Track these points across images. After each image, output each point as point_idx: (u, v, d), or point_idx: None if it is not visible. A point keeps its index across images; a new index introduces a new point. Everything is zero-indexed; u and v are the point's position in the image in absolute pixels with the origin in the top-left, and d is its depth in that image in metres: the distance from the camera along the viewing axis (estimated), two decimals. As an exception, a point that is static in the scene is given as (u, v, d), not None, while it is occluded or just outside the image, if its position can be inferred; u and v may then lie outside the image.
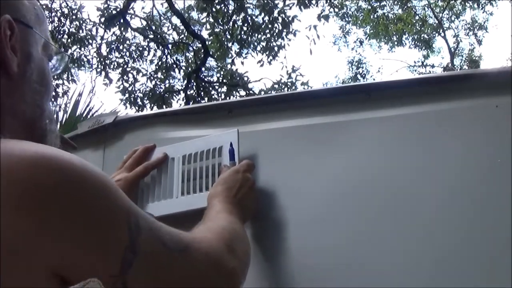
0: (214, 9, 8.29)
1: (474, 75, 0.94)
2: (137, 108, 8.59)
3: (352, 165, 0.95)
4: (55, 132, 0.76)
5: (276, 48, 8.46)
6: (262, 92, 8.38)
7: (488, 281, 0.77)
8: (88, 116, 4.86)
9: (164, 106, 8.26)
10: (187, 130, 1.17)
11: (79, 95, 5.28)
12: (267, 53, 8.53)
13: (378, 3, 13.97)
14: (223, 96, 8.76)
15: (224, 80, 9.03)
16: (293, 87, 8.49)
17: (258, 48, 8.68)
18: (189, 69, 9.10)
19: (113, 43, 8.71)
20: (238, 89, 8.91)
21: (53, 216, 0.52)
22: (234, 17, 8.35)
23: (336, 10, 11.15)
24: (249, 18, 8.32)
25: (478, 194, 0.82)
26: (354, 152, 0.95)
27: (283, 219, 0.97)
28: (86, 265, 0.54)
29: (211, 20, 8.51)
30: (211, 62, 9.40)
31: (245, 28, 8.42)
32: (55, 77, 0.87)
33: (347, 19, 14.93)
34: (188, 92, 8.73)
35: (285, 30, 8.22)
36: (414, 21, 14.98)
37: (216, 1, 8.15)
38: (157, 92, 8.90)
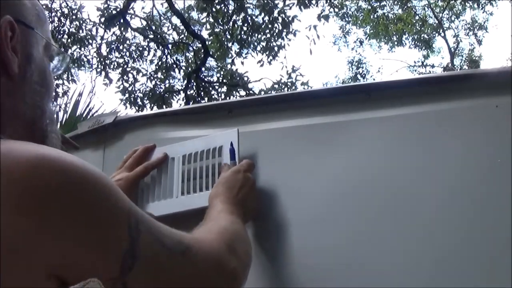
0: (214, 9, 8.29)
1: (474, 75, 0.94)
2: (137, 108, 8.60)
3: (352, 165, 0.95)
4: (56, 132, 0.76)
5: (276, 48, 8.46)
6: (262, 92, 8.38)
7: (488, 281, 0.77)
8: (88, 116, 4.85)
9: (164, 106, 8.26)
10: (187, 130, 1.17)
11: (79, 95, 5.29)
12: (267, 53, 8.53)
13: (378, 3, 13.97)
14: (223, 96, 8.76)
15: (224, 80, 9.03)
16: (293, 87, 8.49)
17: (258, 48, 8.69)
18: (189, 69, 9.10)
19: (113, 43, 8.72)
20: (238, 89, 8.92)
21: (54, 215, 0.52)
22: (234, 17, 8.35)
23: (336, 10, 11.16)
24: (249, 18, 8.32)
25: (478, 194, 0.82)
26: (354, 152, 0.95)
27: (283, 219, 0.97)
28: (86, 264, 0.54)
29: (211, 20, 8.51)
30: (211, 62, 9.41)
31: (245, 28, 8.42)
32: (55, 77, 0.87)
33: (347, 19, 14.93)
34: (188, 92, 8.73)
35: (285, 30, 8.22)
36: (414, 21, 14.99)
37: (216, 1, 8.15)
38: (157, 92, 8.90)
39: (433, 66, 15.60)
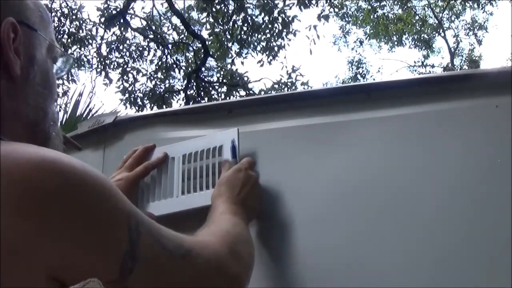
0: (214, 9, 8.29)
1: (474, 75, 0.94)
2: (137, 108, 8.60)
3: (352, 165, 0.95)
4: (59, 134, 0.76)
5: (276, 48, 8.47)
6: (262, 92, 8.38)
7: (488, 281, 0.77)
8: (88, 116, 4.85)
9: (164, 106, 8.26)
10: (187, 130, 1.17)
11: (79, 95, 5.28)
12: (267, 53, 8.53)
13: (378, 3, 13.97)
14: (223, 96, 8.76)
15: (224, 80, 9.03)
16: (293, 87, 8.50)
17: (258, 48, 8.69)
18: (189, 69, 9.10)
19: (113, 43, 8.72)
20: (238, 89, 8.92)
21: (53, 217, 0.52)
22: (234, 17, 8.35)
23: (336, 10, 11.16)
24: (249, 18, 8.32)
25: (478, 194, 0.82)
26: (354, 152, 0.95)
27: (282, 219, 0.97)
28: (86, 266, 0.54)
29: (211, 20, 8.51)
30: (211, 62, 9.41)
31: (245, 28, 8.42)
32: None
33: (347, 19, 14.94)
34: (188, 92, 8.73)
35: (285, 30, 8.22)
36: (414, 21, 14.99)
37: (216, 1, 8.15)
38: (157, 92, 8.90)
39: (433, 66, 15.61)
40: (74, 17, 8.34)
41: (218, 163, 1.02)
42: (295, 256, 0.94)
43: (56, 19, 8.11)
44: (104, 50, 8.76)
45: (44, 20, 0.75)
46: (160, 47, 8.97)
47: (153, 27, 9.07)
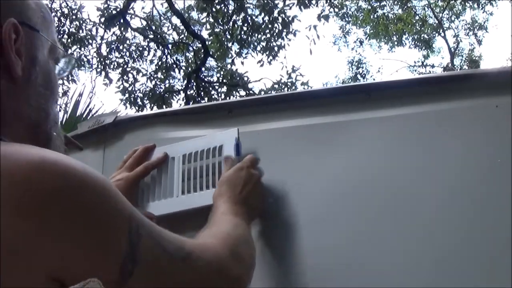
0: (214, 9, 8.29)
1: (474, 75, 0.94)
2: (137, 108, 8.60)
3: (352, 165, 0.95)
4: (60, 135, 0.76)
5: (276, 48, 8.46)
6: (262, 92, 8.38)
7: (488, 281, 0.77)
8: (88, 117, 4.85)
9: (164, 106, 8.27)
10: (187, 130, 1.17)
11: (79, 95, 5.28)
12: (267, 53, 8.53)
13: (378, 3, 13.97)
14: (223, 96, 8.76)
15: (224, 80, 9.03)
16: (293, 87, 8.50)
17: (258, 48, 8.69)
18: (189, 69, 9.10)
19: (113, 43, 8.72)
20: (238, 89, 8.92)
21: (53, 217, 0.52)
22: (234, 17, 8.35)
23: (336, 10, 11.16)
24: (249, 18, 8.32)
25: (478, 194, 0.82)
26: (354, 152, 0.95)
27: (283, 219, 0.97)
28: (86, 266, 0.54)
29: (211, 20, 8.51)
30: (211, 62, 9.41)
31: (245, 28, 8.42)
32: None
33: (347, 19, 14.93)
34: (188, 92, 8.73)
35: (285, 30, 8.22)
36: (414, 21, 14.99)
37: (216, 1, 8.15)
38: (157, 92, 8.90)
39: (433, 66, 15.61)
40: (74, 17, 8.34)
41: (218, 163, 1.02)
42: (295, 256, 0.94)
43: (56, 19, 8.10)
44: (104, 50, 8.77)
45: (46, 21, 0.75)
46: (160, 47, 8.97)
47: (153, 27, 9.07)
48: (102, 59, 8.67)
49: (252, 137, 1.06)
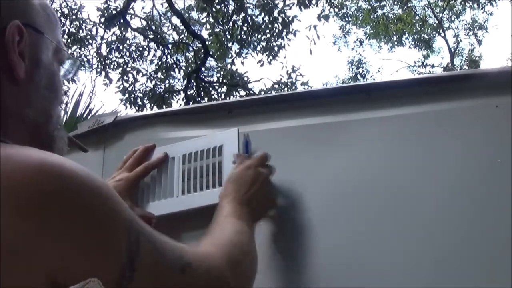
0: (214, 9, 8.30)
1: (474, 75, 0.94)
2: (137, 108, 8.60)
3: (352, 165, 0.95)
4: (63, 137, 0.76)
5: (276, 48, 8.47)
6: (262, 92, 8.38)
7: (488, 281, 0.77)
8: (88, 117, 4.85)
9: (164, 106, 8.27)
10: (187, 130, 1.17)
11: (79, 95, 5.29)
12: (267, 53, 8.54)
13: (378, 3, 13.98)
14: (223, 96, 8.77)
15: (224, 80, 9.03)
16: (293, 87, 8.50)
17: (258, 48, 8.69)
18: (189, 69, 9.11)
19: (113, 43, 8.72)
20: (238, 89, 8.92)
21: (53, 216, 0.52)
22: (234, 17, 8.36)
23: (336, 10, 11.17)
24: (249, 18, 8.32)
25: (478, 194, 0.82)
26: (354, 152, 0.95)
27: (282, 219, 0.97)
28: (86, 266, 0.54)
29: (211, 20, 8.51)
30: (211, 62, 9.42)
31: (245, 28, 8.42)
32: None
33: (347, 19, 14.94)
34: (188, 92, 8.74)
35: (285, 30, 8.22)
36: (414, 21, 14.99)
37: (216, 1, 8.15)
38: (157, 92, 8.90)
39: (433, 66, 15.62)
40: (74, 17, 8.35)
41: (218, 163, 1.02)
42: (295, 256, 0.94)
43: (56, 19, 8.10)
44: (104, 50, 8.77)
45: (51, 22, 0.74)
46: (160, 47, 8.97)
47: (153, 27, 9.07)
48: (102, 59, 8.68)
49: (252, 137, 1.06)
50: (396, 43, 15.16)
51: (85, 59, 8.69)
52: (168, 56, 9.07)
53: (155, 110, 7.12)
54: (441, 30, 15.27)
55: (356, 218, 0.91)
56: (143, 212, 1.03)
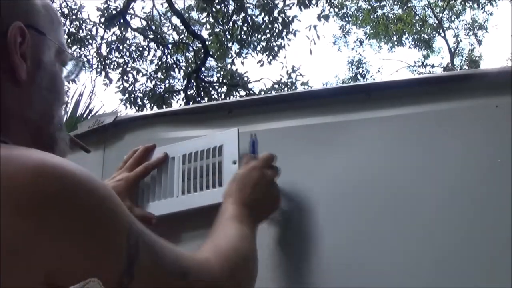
0: (214, 9, 8.30)
1: (474, 75, 0.94)
2: (137, 108, 8.60)
3: (352, 165, 0.95)
4: (65, 138, 0.76)
5: (276, 48, 8.47)
6: (262, 92, 8.38)
7: (488, 281, 0.77)
8: (88, 117, 4.85)
9: (164, 106, 8.27)
10: (187, 130, 1.17)
11: (79, 95, 5.28)
12: (267, 53, 8.54)
13: (378, 3, 13.98)
14: (223, 96, 8.77)
15: (224, 80, 9.03)
16: (293, 87, 8.50)
17: (258, 48, 8.69)
18: (189, 69, 9.11)
19: (113, 43, 8.72)
20: (238, 89, 8.92)
21: (52, 216, 0.52)
22: (234, 17, 8.36)
23: (336, 10, 11.16)
24: (249, 18, 8.32)
25: (478, 194, 0.82)
26: (354, 152, 0.95)
27: (282, 220, 0.97)
28: (85, 266, 0.54)
29: (211, 20, 8.51)
30: (211, 62, 9.41)
31: (245, 28, 8.42)
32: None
33: (347, 19, 14.94)
34: (188, 92, 8.74)
35: (285, 30, 8.22)
36: (414, 21, 14.99)
37: (216, 1, 8.15)
38: (157, 92, 8.90)
39: (433, 66, 15.62)
40: (74, 17, 8.35)
41: (218, 163, 1.02)
42: (294, 256, 0.94)
43: (56, 19, 8.09)
44: (104, 50, 8.77)
45: (53, 23, 0.74)
46: (160, 47, 8.97)
47: (153, 27, 9.07)
48: (102, 59, 8.68)
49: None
50: (396, 43, 15.17)
51: (85, 59, 8.69)
52: (168, 56, 9.08)
53: (155, 110, 7.12)
54: (441, 30, 15.27)
55: (356, 218, 0.91)
56: (143, 212, 1.03)
